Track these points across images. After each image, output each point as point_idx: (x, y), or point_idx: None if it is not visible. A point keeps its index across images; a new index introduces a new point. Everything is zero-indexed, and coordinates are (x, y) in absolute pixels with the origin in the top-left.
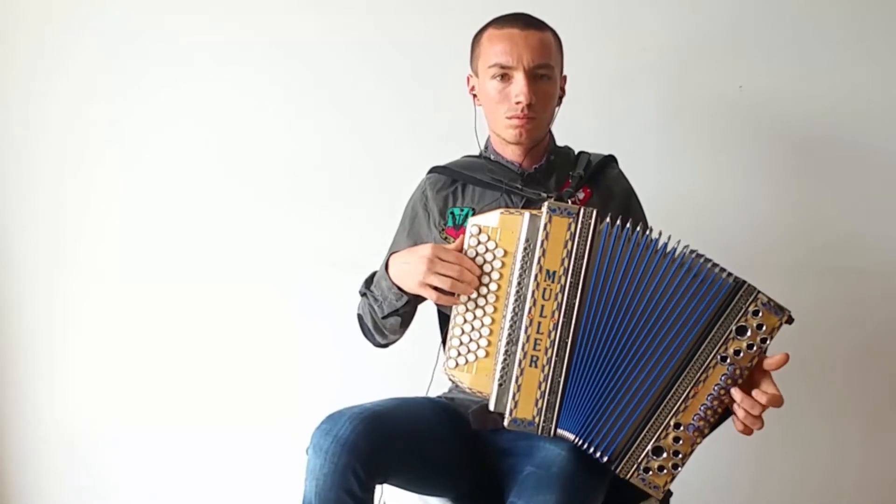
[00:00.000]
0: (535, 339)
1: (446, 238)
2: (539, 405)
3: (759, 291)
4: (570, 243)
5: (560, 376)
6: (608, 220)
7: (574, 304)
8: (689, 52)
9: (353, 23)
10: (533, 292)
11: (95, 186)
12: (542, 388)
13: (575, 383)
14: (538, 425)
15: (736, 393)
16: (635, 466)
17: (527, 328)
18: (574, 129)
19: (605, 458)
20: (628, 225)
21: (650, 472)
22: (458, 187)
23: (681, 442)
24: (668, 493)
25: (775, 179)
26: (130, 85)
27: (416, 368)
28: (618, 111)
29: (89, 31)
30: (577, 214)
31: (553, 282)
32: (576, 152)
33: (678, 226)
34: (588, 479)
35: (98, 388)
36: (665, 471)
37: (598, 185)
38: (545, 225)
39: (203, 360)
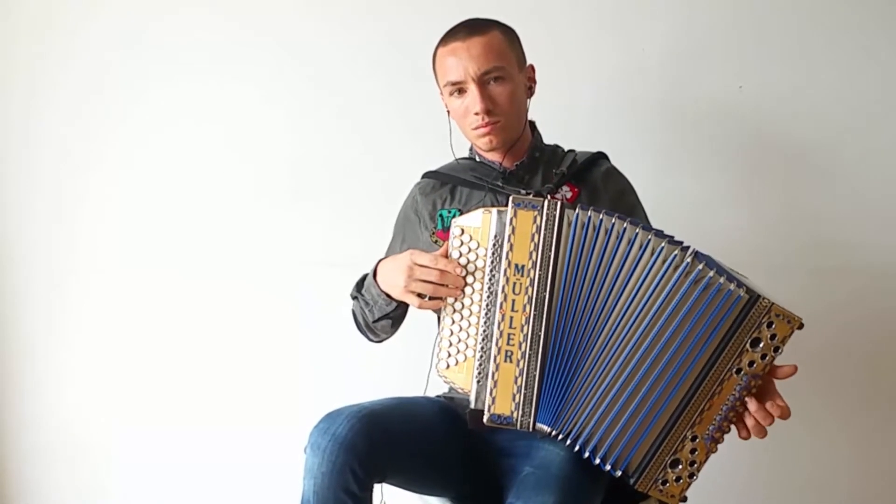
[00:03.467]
0: (509, 334)
1: (436, 241)
2: (516, 400)
3: (773, 304)
4: (536, 236)
5: (535, 370)
6: (579, 210)
7: (545, 296)
8: (688, 52)
9: (353, 22)
10: (504, 287)
11: (95, 186)
12: (519, 382)
13: (552, 377)
14: (517, 420)
15: (751, 403)
16: (653, 481)
17: (499, 323)
18: (572, 129)
19: (619, 473)
20: (602, 216)
21: (667, 484)
22: (446, 190)
23: (697, 452)
24: None
25: (773, 179)
26: (130, 84)
27: (415, 368)
28: (616, 111)
29: (89, 30)
30: (542, 207)
31: (522, 276)
32: (565, 150)
33: (674, 224)
34: (587, 479)
35: (98, 389)
36: (681, 481)
37: (584, 182)
38: (511, 219)
39: (203, 359)
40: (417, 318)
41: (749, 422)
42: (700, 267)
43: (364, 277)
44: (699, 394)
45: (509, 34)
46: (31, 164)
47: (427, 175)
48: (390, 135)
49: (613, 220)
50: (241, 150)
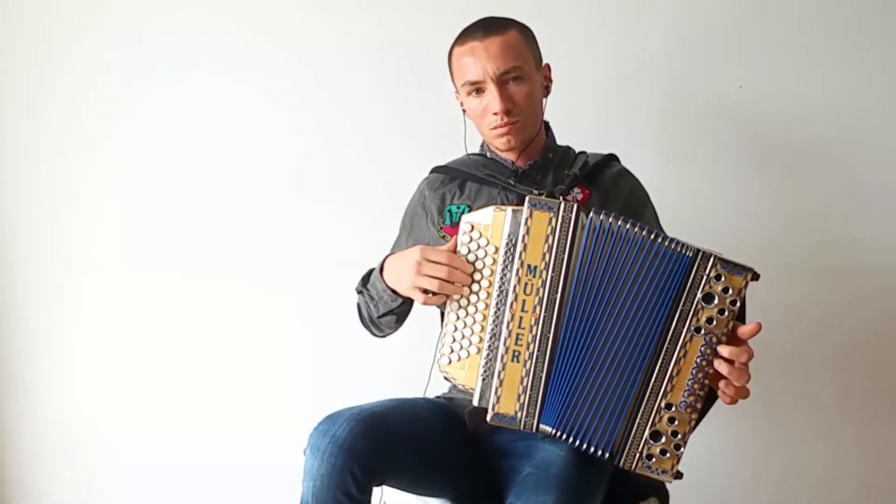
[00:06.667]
0: (517, 334)
1: (444, 236)
2: (521, 400)
3: (715, 255)
4: (550, 238)
5: (542, 371)
6: (593, 214)
7: (555, 298)
8: (688, 52)
9: (354, 21)
10: (515, 287)
11: (95, 186)
12: (525, 382)
13: (558, 378)
14: (520, 420)
15: (722, 366)
16: (637, 456)
17: (508, 323)
18: (573, 129)
19: (607, 455)
20: (611, 219)
21: (654, 459)
22: (455, 185)
23: (676, 422)
24: (666, 495)
25: (774, 179)
26: (130, 83)
27: (415, 369)
28: (617, 111)
29: (90, 30)
30: (558, 209)
31: (534, 276)
32: (577, 152)
33: (676, 226)
34: (587, 479)
35: (98, 389)
36: (668, 454)
37: (596, 184)
38: (526, 220)
39: (203, 359)
40: (418, 319)
41: (729, 390)
42: (644, 234)
43: (370, 272)
44: (663, 359)
45: (527, 33)
46: (31, 164)
47: (436, 170)
48: (392, 134)
49: (619, 224)
50: (242, 150)
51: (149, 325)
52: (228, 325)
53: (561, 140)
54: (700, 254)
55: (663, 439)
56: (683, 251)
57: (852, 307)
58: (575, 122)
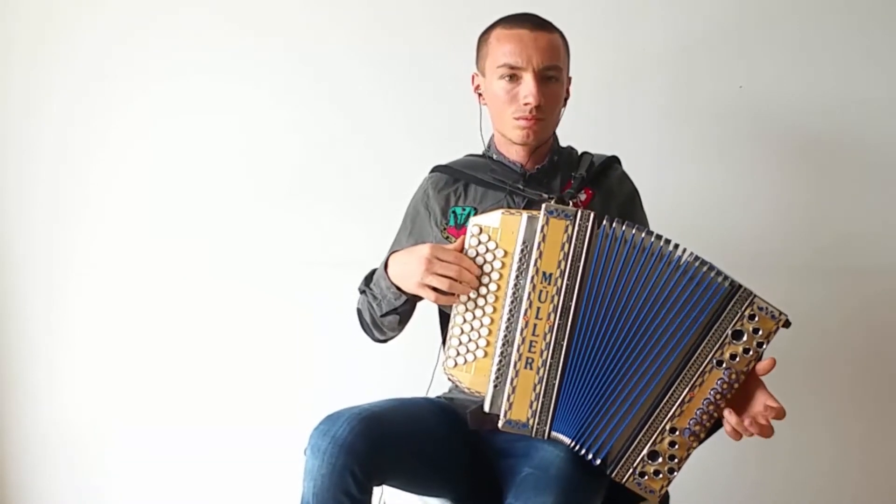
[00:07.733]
0: (531, 341)
1: (447, 237)
2: (534, 407)
3: (755, 296)
4: (566, 246)
5: (555, 379)
6: (605, 222)
7: (570, 306)
8: (689, 52)
9: (354, 21)
10: (529, 294)
11: (95, 186)
12: (537, 390)
13: (570, 386)
14: (532, 427)
15: (731, 416)
16: (631, 471)
17: (522, 330)
18: (574, 130)
19: (598, 461)
20: (625, 227)
21: (646, 477)
22: (460, 186)
23: (677, 447)
24: (667, 495)
25: (776, 180)
26: (130, 83)
27: (416, 368)
28: (618, 111)
29: (89, 29)
30: (575, 217)
31: (549, 284)
32: (579, 153)
33: (679, 227)
34: (586, 480)
35: (98, 388)
36: (661, 475)
37: (600, 186)
38: (542, 227)
39: (203, 360)
40: (419, 319)
41: (740, 429)
42: (697, 264)
43: (373, 272)
44: (679, 383)
45: (566, 42)
46: (31, 164)
47: (439, 169)
48: (393, 135)
49: (634, 233)
50: (242, 150)
51: (148, 325)
52: (228, 324)
53: (562, 140)
54: (740, 289)
55: (660, 460)
56: (721, 281)
57: (855, 307)
58: (575, 123)
